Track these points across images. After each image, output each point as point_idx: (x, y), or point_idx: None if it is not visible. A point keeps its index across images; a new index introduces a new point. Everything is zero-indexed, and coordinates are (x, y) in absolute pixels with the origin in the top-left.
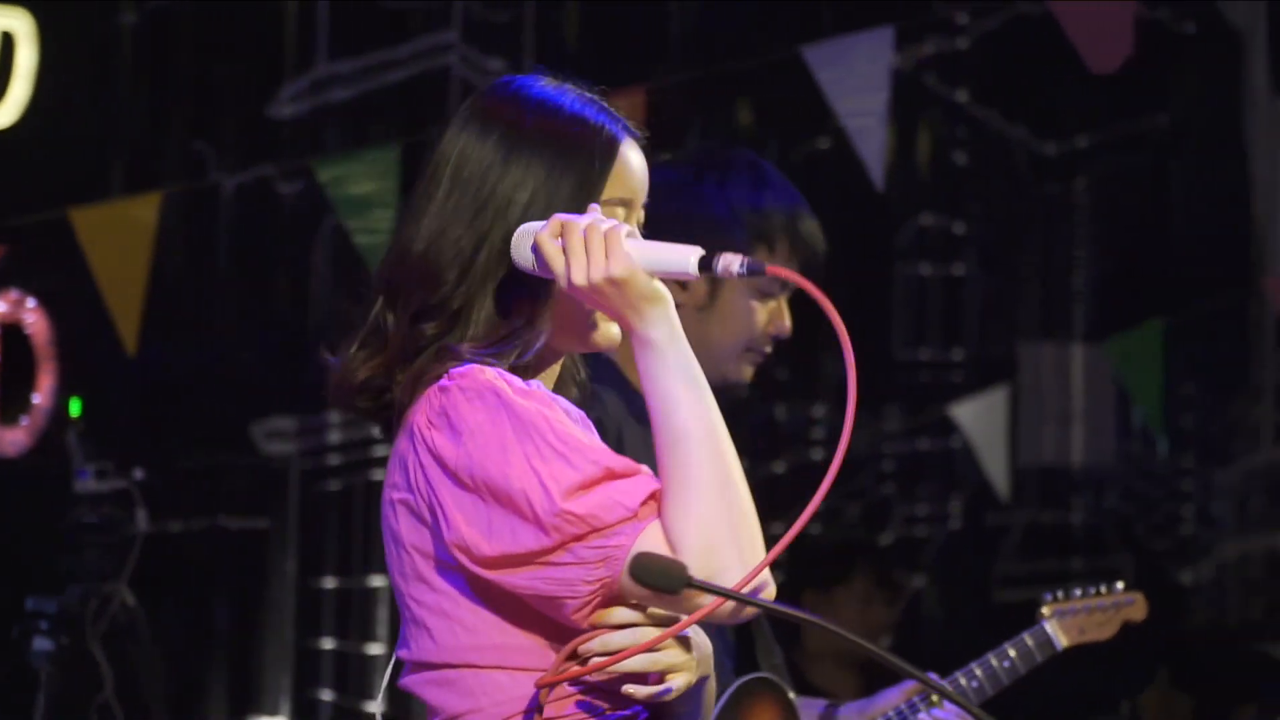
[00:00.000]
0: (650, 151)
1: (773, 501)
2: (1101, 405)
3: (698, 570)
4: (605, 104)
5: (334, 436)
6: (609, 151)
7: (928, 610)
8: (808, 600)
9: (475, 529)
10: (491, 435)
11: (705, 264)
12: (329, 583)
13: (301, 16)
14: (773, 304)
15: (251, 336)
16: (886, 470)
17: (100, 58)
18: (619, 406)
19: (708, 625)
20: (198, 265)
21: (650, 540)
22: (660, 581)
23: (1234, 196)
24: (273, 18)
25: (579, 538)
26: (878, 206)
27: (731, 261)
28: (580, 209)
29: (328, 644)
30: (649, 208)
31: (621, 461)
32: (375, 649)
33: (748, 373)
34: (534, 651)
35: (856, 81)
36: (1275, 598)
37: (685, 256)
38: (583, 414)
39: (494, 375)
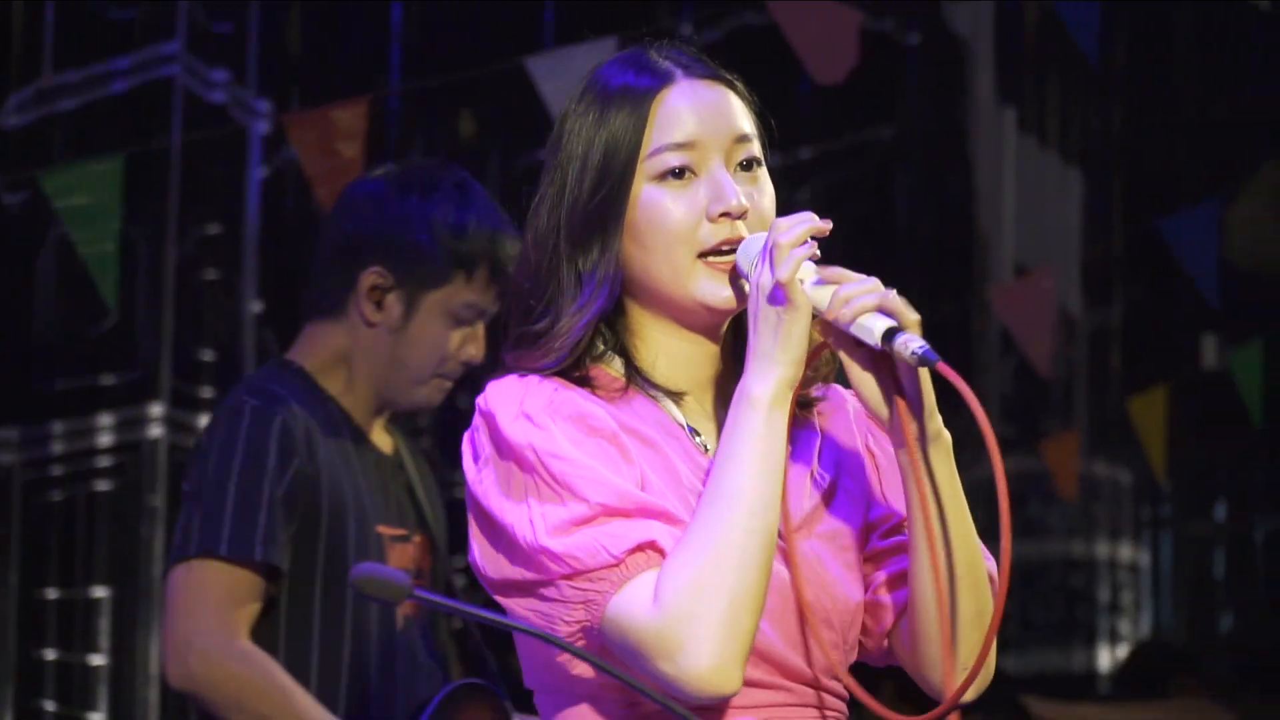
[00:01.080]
0: (371, 163)
1: None
2: None
3: (663, 631)
4: (683, 48)
5: (57, 447)
6: (644, 99)
7: None
8: None
9: (483, 552)
10: (497, 466)
11: (889, 336)
12: (51, 594)
13: (27, 26)
14: (467, 329)
15: None
16: None
17: None
18: (305, 417)
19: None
20: None
21: (634, 593)
22: (383, 593)
23: (958, 206)
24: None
25: (565, 576)
26: None
27: (910, 343)
28: (625, 164)
29: (50, 655)
30: (352, 225)
31: (632, 500)
32: (98, 660)
33: (436, 397)
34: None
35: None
36: None
37: (875, 324)
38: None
39: (504, 394)
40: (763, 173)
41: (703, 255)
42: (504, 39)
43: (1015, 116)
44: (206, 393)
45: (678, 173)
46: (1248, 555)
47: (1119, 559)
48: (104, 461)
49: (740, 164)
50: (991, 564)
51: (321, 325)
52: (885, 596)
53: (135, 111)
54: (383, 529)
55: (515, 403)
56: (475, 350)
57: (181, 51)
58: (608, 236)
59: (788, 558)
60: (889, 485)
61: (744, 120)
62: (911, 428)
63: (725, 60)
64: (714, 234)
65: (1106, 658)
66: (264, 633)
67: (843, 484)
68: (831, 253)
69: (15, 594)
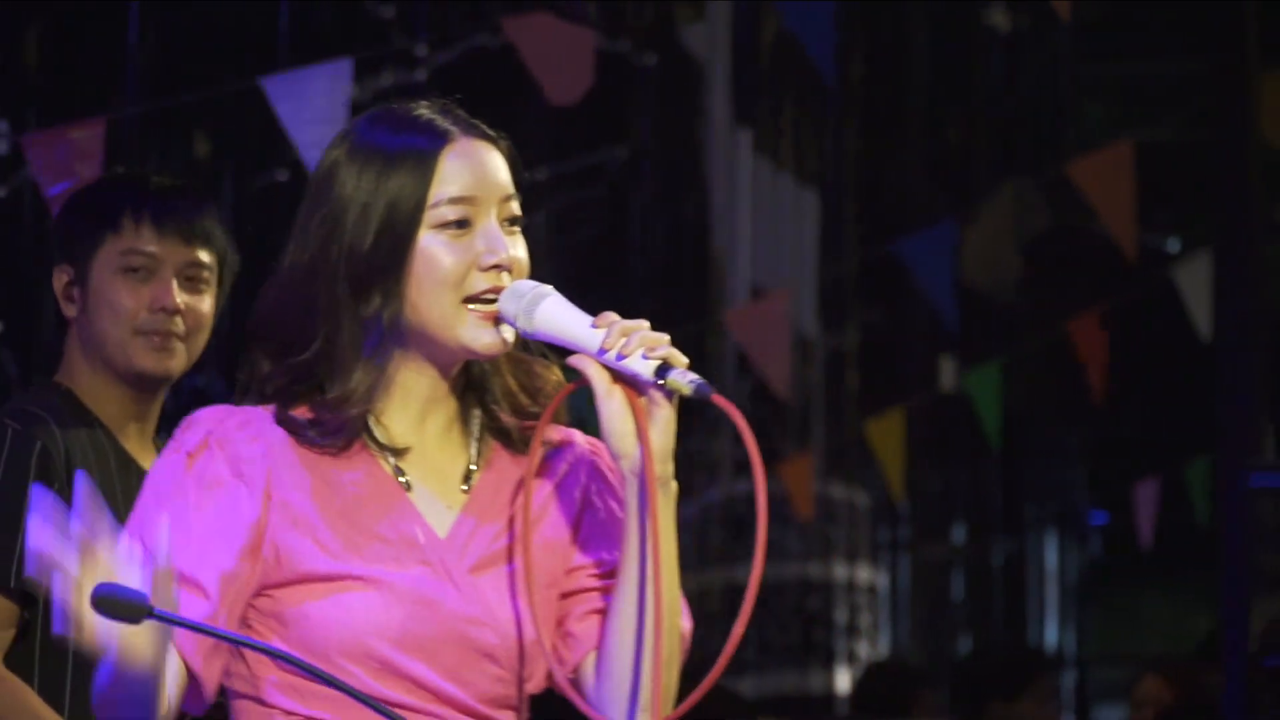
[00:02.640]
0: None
1: None
2: None
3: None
4: (451, 109)
5: None
6: (428, 155)
7: None
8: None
9: None
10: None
11: (662, 371)
12: None
13: None
14: (147, 279)
15: None
16: None
17: None
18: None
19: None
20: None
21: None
22: (121, 612)
23: (694, 228)
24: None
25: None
26: None
27: (684, 376)
28: (411, 215)
29: None
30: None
31: (168, 561)
32: None
33: (154, 359)
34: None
35: (315, 113)
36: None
37: (647, 362)
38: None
39: (193, 422)
40: (519, 231)
41: (468, 301)
42: (240, 59)
43: (751, 137)
44: None
45: (458, 224)
46: (985, 577)
47: (857, 581)
48: None
49: (507, 220)
50: (688, 622)
51: (66, 340)
52: (578, 630)
53: None
54: None
55: (188, 435)
56: (164, 298)
57: None
58: (389, 282)
59: (460, 592)
60: (606, 535)
61: (510, 179)
62: (653, 469)
63: (460, 81)
64: (482, 281)
65: (845, 679)
66: (19, 658)
67: (546, 528)
68: (566, 273)
69: None
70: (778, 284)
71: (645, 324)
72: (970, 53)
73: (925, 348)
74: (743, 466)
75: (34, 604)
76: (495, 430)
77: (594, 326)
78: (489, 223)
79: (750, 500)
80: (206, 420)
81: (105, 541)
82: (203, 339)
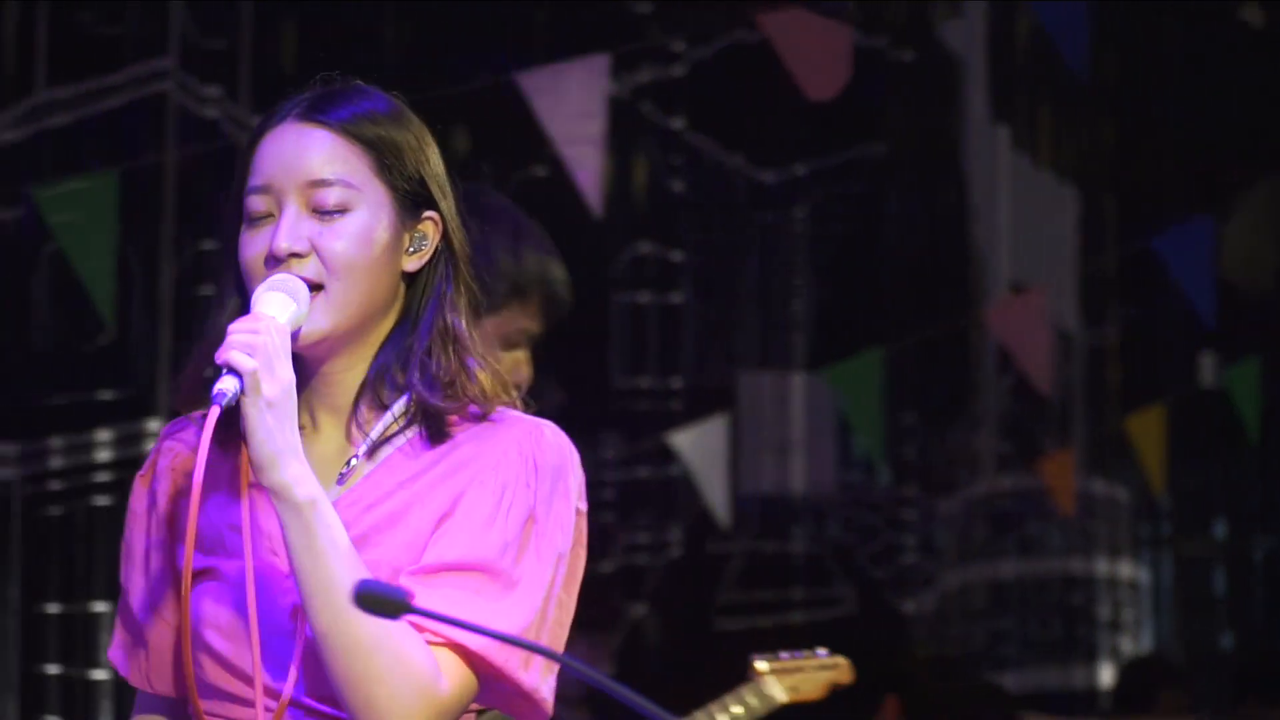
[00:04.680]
0: None
1: None
2: (821, 434)
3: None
4: (317, 89)
5: (55, 462)
6: (253, 140)
7: (648, 639)
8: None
9: None
10: None
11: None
12: (53, 608)
13: (19, 41)
14: (517, 353)
15: None
16: (606, 498)
17: None
18: None
19: None
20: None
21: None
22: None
23: (952, 224)
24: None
25: None
26: (594, 234)
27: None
28: (234, 209)
29: (53, 669)
30: None
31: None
32: (99, 674)
33: None
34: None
35: (572, 108)
36: (996, 627)
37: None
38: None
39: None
40: (348, 219)
41: None
42: (497, 53)
43: (1008, 134)
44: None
45: (257, 216)
46: (1247, 573)
47: (1119, 576)
48: (102, 476)
49: (314, 208)
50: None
51: None
52: None
53: (128, 127)
54: None
55: (149, 456)
56: (524, 374)
57: (174, 67)
58: (226, 276)
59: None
60: (449, 534)
61: (326, 164)
62: (249, 473)
63: (718, 77)
64: (270, 275)
65: (1108, 675)
66: None
67: (409, 525)
68: (823, 269)
69: (16, 609)
70: (1037, 280)
71: (247, 320)
72: (1227, 48)
73: (1185, 343)
74: (1008, 462)
75: None
76: (424, 416)
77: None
78: (285, 212)
79: (1018, 496)
80: (161, 436)
81: None
82: None
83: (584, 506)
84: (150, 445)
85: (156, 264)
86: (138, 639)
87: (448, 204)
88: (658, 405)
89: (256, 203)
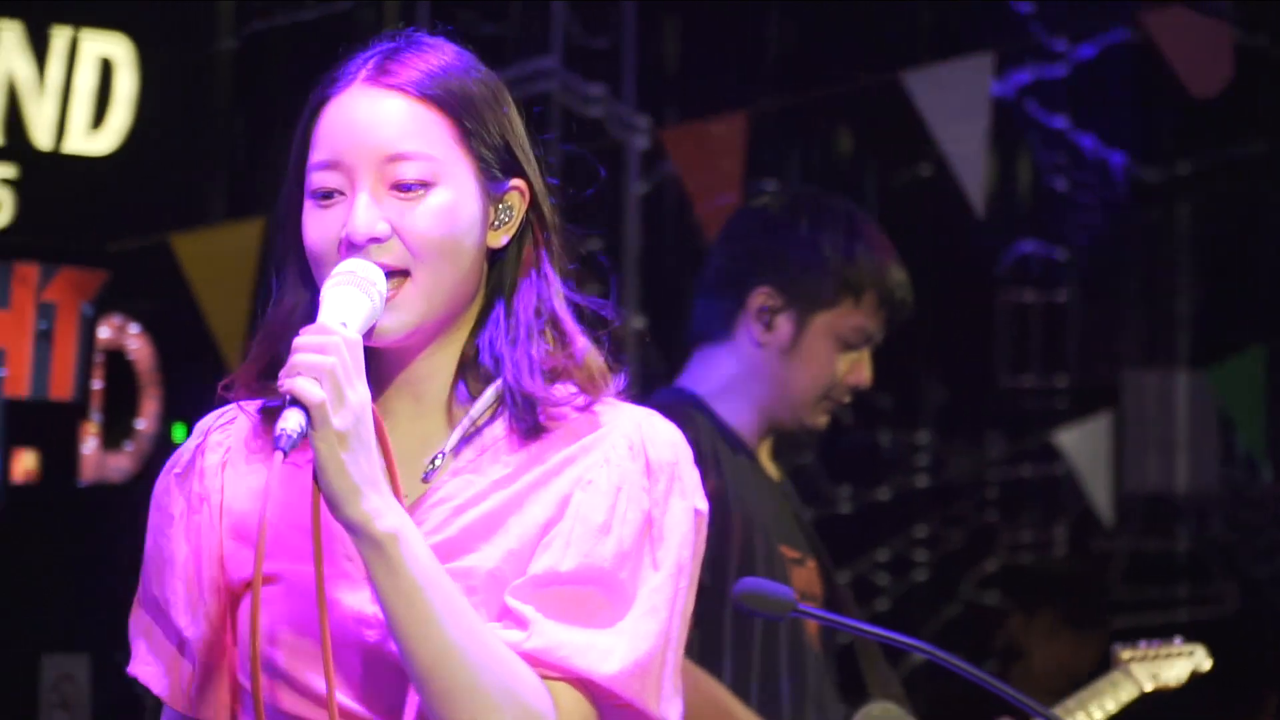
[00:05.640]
0: (750, 178)
1: (877, 528)
2: (1205, 432)
3: None
4: (381, 43)
5: None
6: (315, 108)
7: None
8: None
9: None
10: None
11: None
12: None
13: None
14: (855, 355)
15: None
16: (990, 497)
17: (200, 83)
18: (711, 431)
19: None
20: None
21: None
22: (765, 607)
23: None
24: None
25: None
26: (978, 233)
27: (281, 422)
28: (293, 186)
29: None
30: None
31: (148, 596)
32: None
33: (822, 421)
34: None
35: (956, 108)
36: None
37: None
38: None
39: (196, 429)
40: (431, 195)
41: None
42: (880, 53)
43: None
44: None
45: (324, 194)
46: None
47: None
48: None
49: (393, 184)
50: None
51: (710, 350)
52: None
53: None
54: (784, 550)
55: (182, 451)
56: (863, 375)
57: (558, 67)
58: (287, 258)
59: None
60: (564, 537)
61: (404, 136)
62: (317, 502)
63: (1100, 75)
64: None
65: None
66: (708, 650)
67: (511, 533)
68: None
69: None
70: None
71: (313, 336)
72: None
73: None
74: None
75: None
76: (518, 407)
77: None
78: (359, 191)
79: None
80: (197, 431)
81: None
82: None
83: (704, 506)
84: None
85: None
86: (180, 655)
87: (533, 169)
88: (1042, 404)
89: (325, 180)
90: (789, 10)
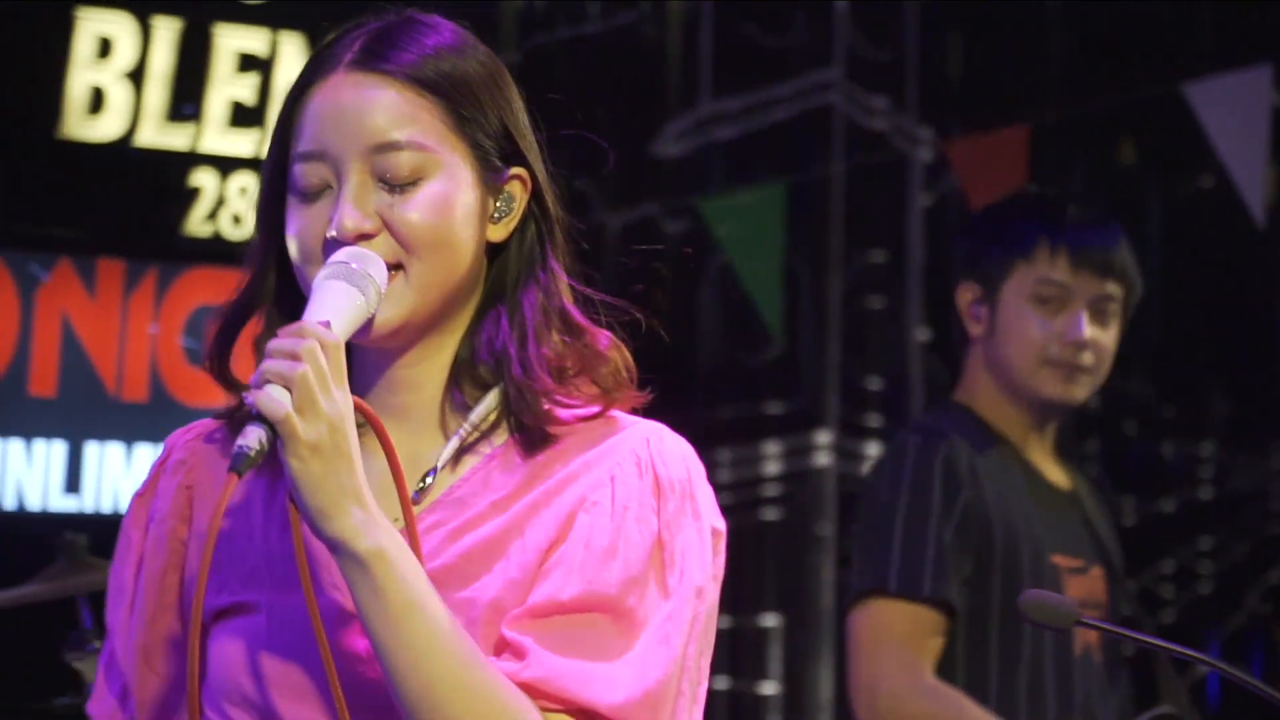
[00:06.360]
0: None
1: (1162, 540)
2: None
3: None
4: (372, 22)
5: (724, 475)
6: (297, 94)
7: None
8: None
9: None
10: None
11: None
12: (721, 622)
13: (684, 54)
14: (1058, 309)
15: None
16: (1275, 508)
17: None
18: (970, 450)
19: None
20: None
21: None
22: (1049, 619)
23: None
24: (654, 55)
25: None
26: (1260, 243)
27: (243, 435)
28: (270, 178)
29: (721, 684)
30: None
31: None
32: (769, 688)
33: (1059, 387)
34: None
35: (1237, 120)
36: None
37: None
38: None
39: (164, 446)
40: (423, 187)
41: None
42: (1161, 64)
43: None
44: (873, 421)
45: (310, 188)
46: None
47: None
48: (771, 490)
49: (381, 177)
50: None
51: (967, 357)
52: None
53: (795, 139)
54: (1058, 560)
55: (150, 471)
56: (1075, 330)
57: (841, 79)
58: (267, 251)
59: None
60: (560, 571)
61: (394, 124)
62: (296, 518)
63: None
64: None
65: None
66: (942, 667)
67: (512, 560)
68: None
69: None
70: None
71: (287, 340)
72: None
73: None
74: None
75: (951, 613)
76: (517, 421)
77: None
78: (346, 182)
79: None
80: (166, 447)
81: None
82: (1106, 369)
83: (721, 525)
84: (819, 459)
85: (824, 276)
86: (126, 692)
87: (535, 157)
88: None
89: (309, 172)
90: (1070, 22)
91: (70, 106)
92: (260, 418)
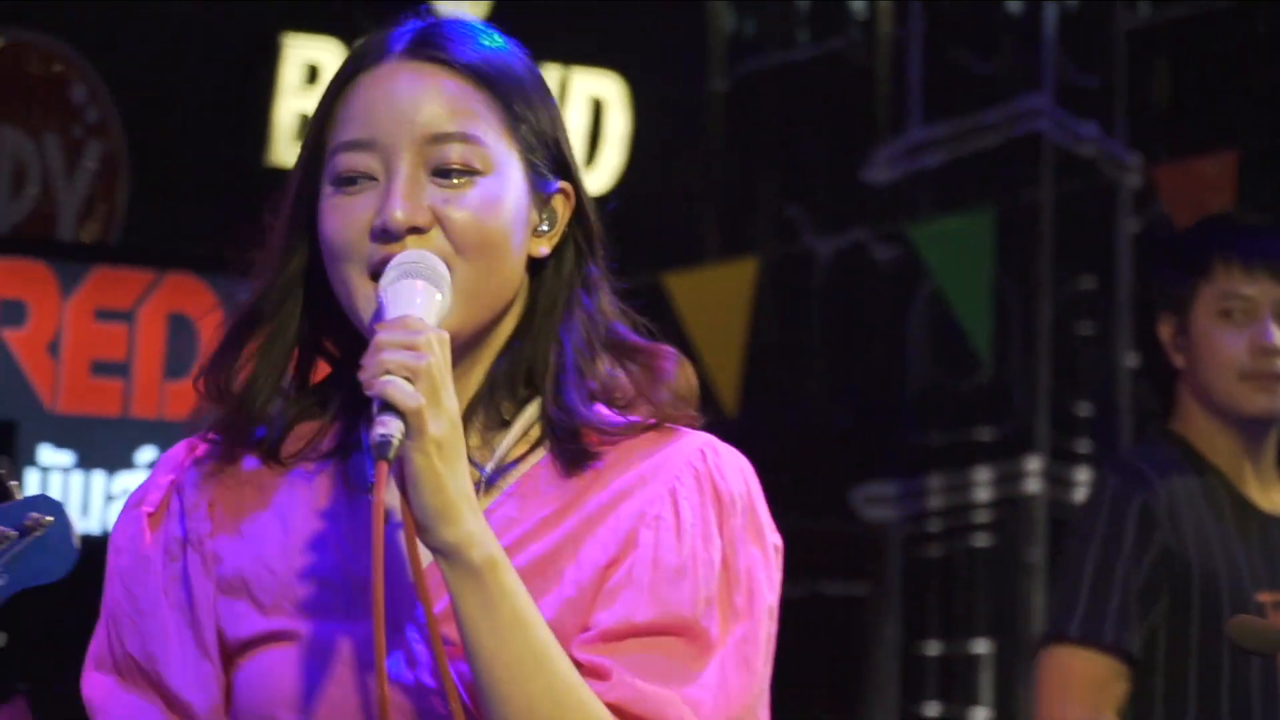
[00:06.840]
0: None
1: None
2: None
3: None
4: (423, 22)
5: (934, 501)
6: (341, 83)
7: None
8: None
9: None
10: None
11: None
12: (932, 649)
13: (894, 80)
14: (1246, 323)
15: (847, 400)
16: None
17: (691, 123)
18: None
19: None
20: (793, 328)
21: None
22: (1257, 644)
23: None
24: (862, 82)
25: None
26: None
27: (379, 427)
28: (306, 169)
29: (932, 710)
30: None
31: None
32: (980, 714)
33: (1261, 399)
34: None
35: None
36: None
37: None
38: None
39: (157, 466)
40: (476, 184)
41: (373, 275)
42: None
43: None
44: (1083, 447)
45: (348, 178)
46: None
47: None
48: (981, 516)
49: (433, 169)
50: None
51: (1180, 388)
52: None
53: (1003, 165)
54: (1264, 597)
55: (151, 486)
56: (1262, 338)
57: (1050, 104)
58: (289, 252)
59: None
60: (628, 591)
61: (451, 115)
62: (410, 523)
63: None
64: (375, 252)
65: None
66: (1139, 710)
67: (567, 579)
68: None
69: (896, 649)
70: None
71: (400, 331)
72: None
73: None
74: None
75: (1134, 663)
76: (559, 434)
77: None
78: (398, 173)
79: None
80: (169, 462)
81: None
82: None
83: (779, 541)
84: (1029, 486)
85: (1034, 301)
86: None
87: (579, 175)
88: None
89: (353, 161)
90: (1277, 49)
91: (278, 133)
92: (388, 408)
